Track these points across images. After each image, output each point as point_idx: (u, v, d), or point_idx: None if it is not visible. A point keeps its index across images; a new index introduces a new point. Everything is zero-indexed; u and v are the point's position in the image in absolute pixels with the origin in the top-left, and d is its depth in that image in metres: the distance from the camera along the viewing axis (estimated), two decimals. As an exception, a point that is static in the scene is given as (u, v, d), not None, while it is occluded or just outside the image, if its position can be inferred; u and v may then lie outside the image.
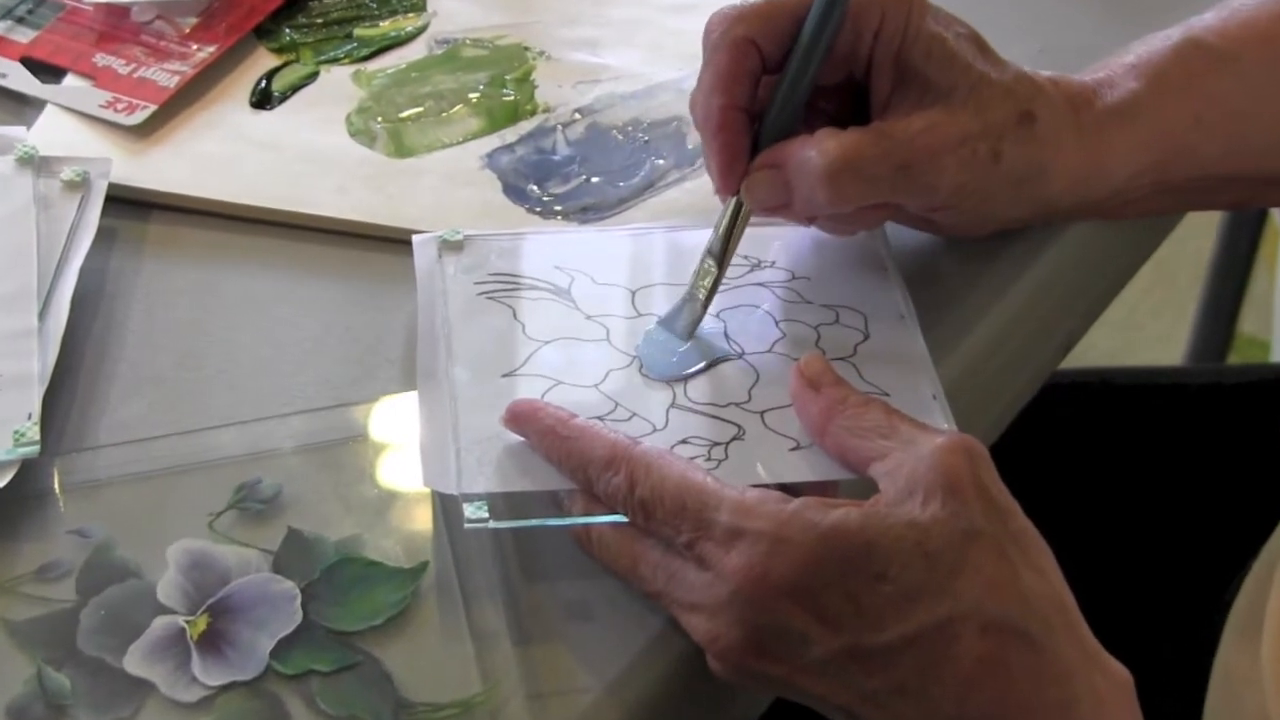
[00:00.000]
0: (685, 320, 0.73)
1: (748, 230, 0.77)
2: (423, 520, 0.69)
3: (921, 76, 0.70)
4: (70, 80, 0.89)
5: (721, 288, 0.75)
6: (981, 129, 0.70)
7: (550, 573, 0.68)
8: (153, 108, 0.87)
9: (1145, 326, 1.94)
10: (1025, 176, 0.72)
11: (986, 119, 0.70)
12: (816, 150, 0.70)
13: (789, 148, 0.71)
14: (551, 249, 0.78)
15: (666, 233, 0.80)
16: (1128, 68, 0.74)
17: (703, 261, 0.73)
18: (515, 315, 0.74)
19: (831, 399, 0.67)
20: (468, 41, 0.92)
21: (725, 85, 0.71)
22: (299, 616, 0.66)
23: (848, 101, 0.73)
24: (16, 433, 0.70)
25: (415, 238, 0.77)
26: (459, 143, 0.87)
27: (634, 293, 0.76)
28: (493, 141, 0.87)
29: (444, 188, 0.84)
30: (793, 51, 0.70)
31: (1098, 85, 0.73)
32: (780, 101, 0.71)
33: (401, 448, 0.71)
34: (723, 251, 0.73)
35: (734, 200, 0.72)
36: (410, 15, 0.93)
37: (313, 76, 0.90)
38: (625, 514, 0.65)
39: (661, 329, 0.74)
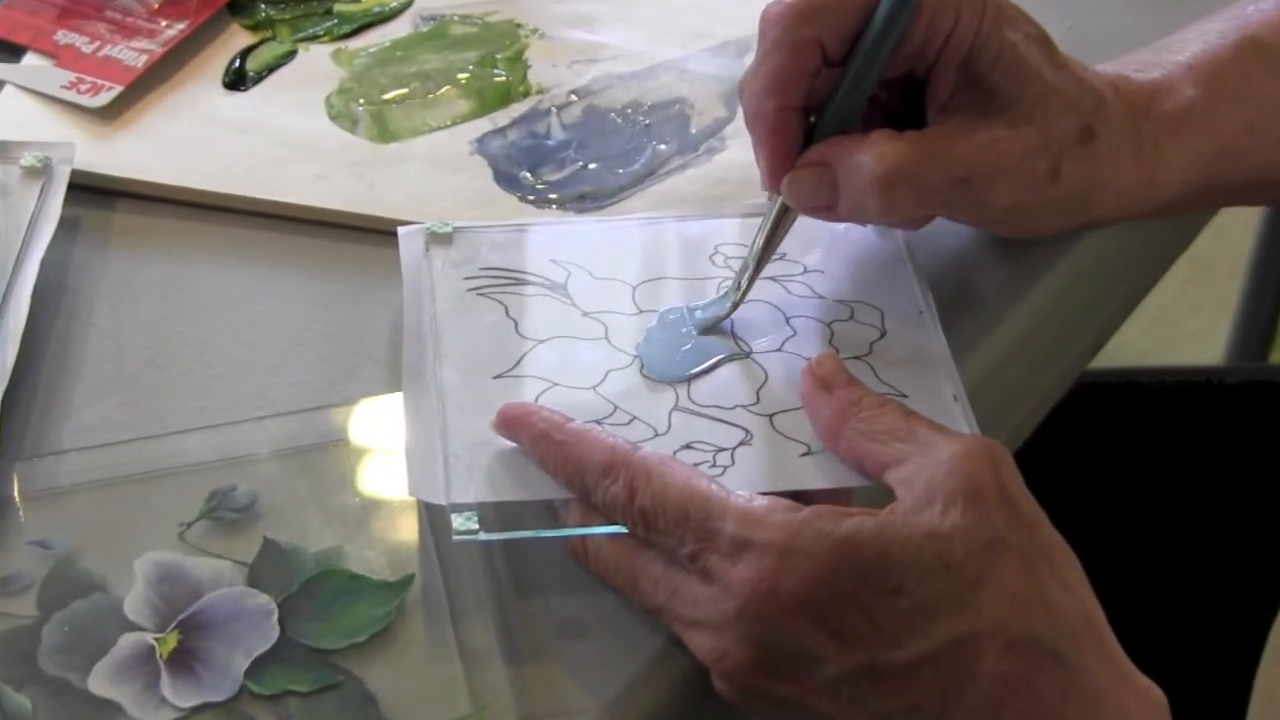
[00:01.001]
0: (706, 316, 0.74)
1: (753, 221, 0.77)
2: (408, 531, 0.69)
3: (987, 83, 0.71)
4: (30, 59, 0.89)
5: (727, 281, 0.76)
6: (1043, 145, 0.71)
7: (544, 587, 0.68)
8: (119, 89, 0.87)
9: (1182, 323, 1.94)
10: (1080, 195, 0.73)
11: (1049, 134, 0.71)
12: (871, 155, 0.70)
13: (840, 146, 0.71)
14: (546, 241, 0.78)
15: (669, 223, 0.80)
16: (1185, 69, 0.75)
17: (744, 264, 0.74)
18: (507, 312, 0.74)
19: (845, 400, 0.67)
20: (456, 18, 0.92)
21: (782, 87, 0.71)
22: (276, 633, 0.66)
23: (903, 95, 0.73)
24: (-26, 437, 0.70)
25: (400, 229, 0.78)
26: (447, 126, 0.87)
27: (635, 288, 0.76)
28: (483, 125, 0.87)
29: (431, 175, 0.84)
30: (857, 47, 0.70)
31: (1156, 90, 0.74)
32: (839, 99, 0.71)
33: (385, 453, 0.71)
34: (761, 253, 0.73)
35: (779, 198, 0.72)
36: (394, -10, 0.93)
37: (290, 55, 0.91)
38: (624, 524, 0.65)
39: (662, 327, 0.74)
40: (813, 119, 0.72)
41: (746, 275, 0.73)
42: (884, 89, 0.73)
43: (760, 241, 0.73)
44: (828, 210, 0.72)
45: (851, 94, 0.71)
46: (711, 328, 0.74)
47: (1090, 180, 0.73)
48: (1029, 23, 0.72)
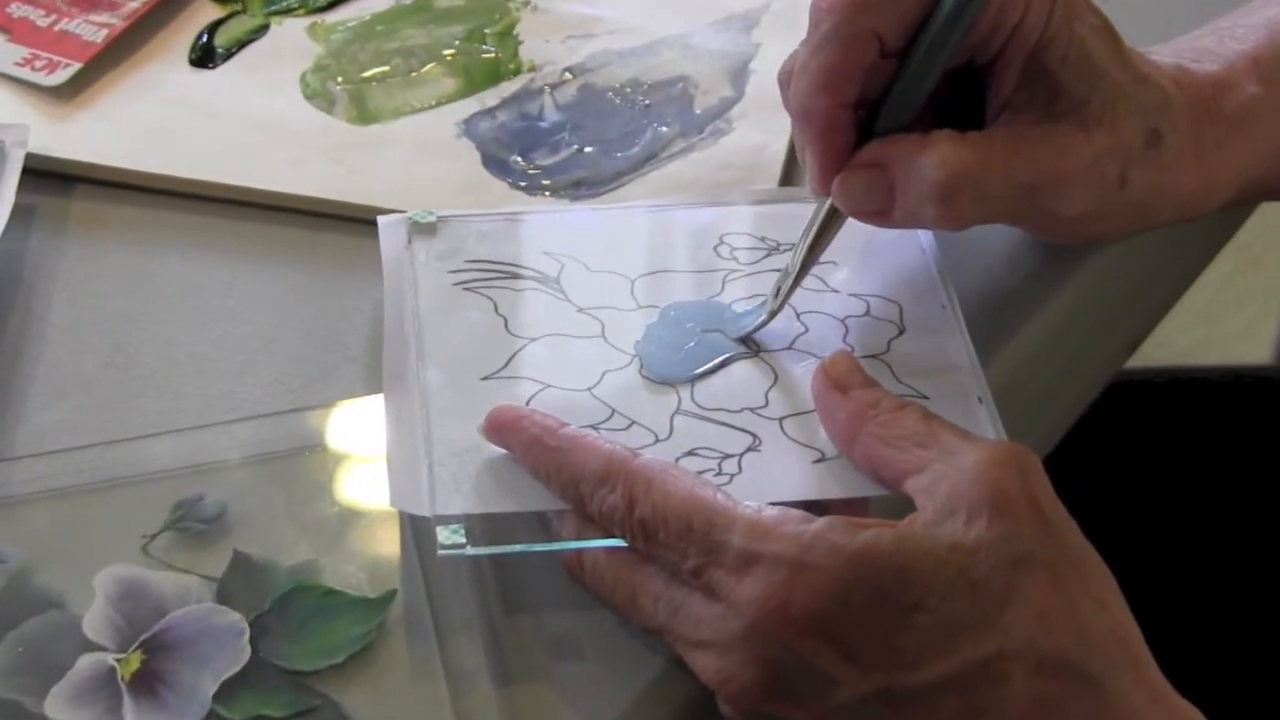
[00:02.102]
0: (747, 322, 0.74)
1: (763, 209, 0.77)
2: (389, 543, 0.70)
3: (1054, 81, 0.71)
4: (-19, 34, 0.89)
5: (735, 274, 0.76)
6: (1111, 149, 0.71)
7: (535, 604, 0.68)
8: (77, 66, 0.87)
9: (1227, 319, 1.95)
10: (1145, 202, 0.73)
11: (1117, 138, 0.72)
12: (932, 159, 0.69)
13: (897, 147, 0.70)
14: (538, 231, 0.78)
15: (671, 211, 0.80)
16: (1249, 63, 0.76)
17: (787, 267, 0.73)
18: (496, 308, 0.75)
19: (861, 403, 0.67)
20: (441, -10, 0.93)
21: (836, 82, 0.70)
22: (247, 653, 0.66)
23: (958, 88, 0.73)
24: (-80, 442, 0.70)
25: (381, 218, 0.78)
26: (431, 107, 0.87)
27: (634, 281, 0.76)
28: (470, 106, 0.87)
29: (414, 160, 0.85)
30: (920, 38, 0.69)
31: (1217, 86, 0.75)
32: (897, 95, 0.70)
33: (365, 460, 0.71)
34: (805, 258, 0.73)
35: (828, 200, 0.72)
36: (374, -41, 0.93)
37: (262, 30, 0.91)
38: (623, 537, 0.65)
39: (663, 324, 0.74)
40: (861, 113, 0.71)
41: (788, 283, 0.73)
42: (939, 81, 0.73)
43: (804, 247, 0.73)
44: (880, 215, 0.71)
45: (911, 89, 0.70)
46: (742, 335, 0.73)
47: (1156, 187, 0.73)
48: (1095, 13, 0.72)
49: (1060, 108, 0.71)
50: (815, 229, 0.72)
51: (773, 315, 0.73)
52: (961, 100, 0.73)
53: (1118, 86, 0.71)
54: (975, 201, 0.70)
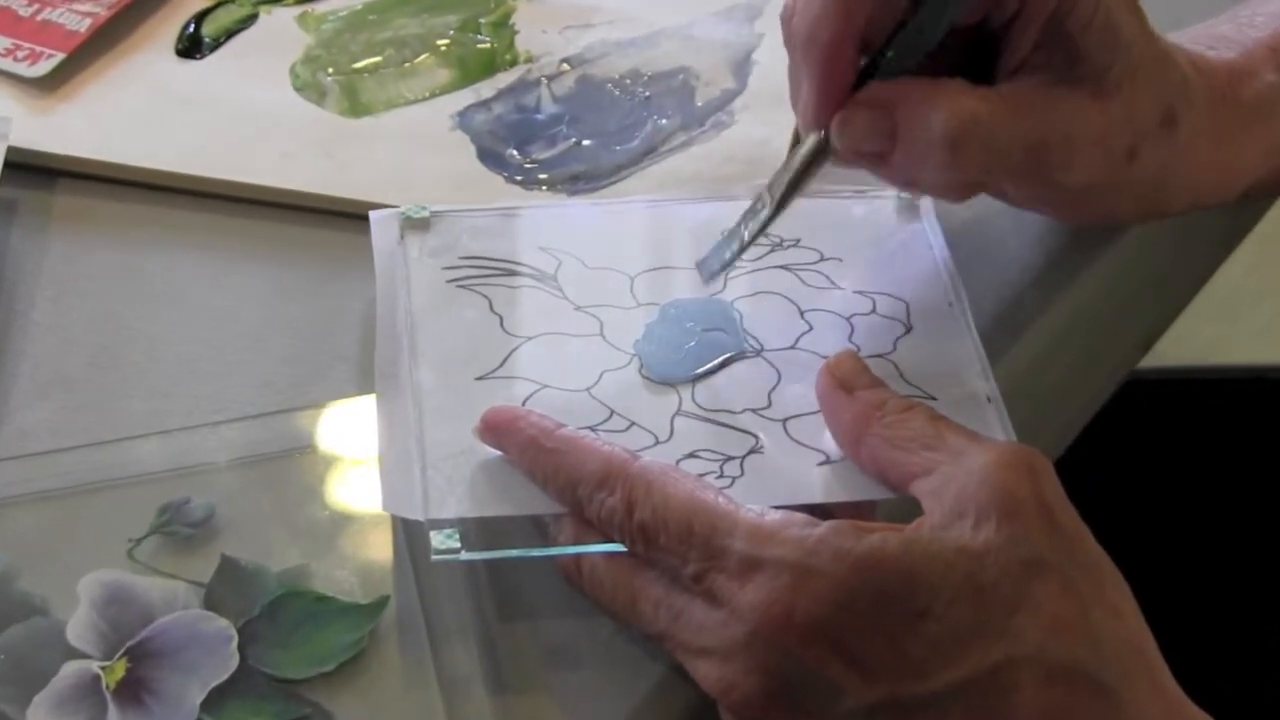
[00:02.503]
0: (715, 262, 0.74)
1: (768, 203, 0.77)
2: (382, 548, 0.70)
3: (1074, 46, 0.71)
4: (-38, 24, 0.89)
5: (738, 270, 0.76)
6: (1124, 121, 0.72)
7: (532, 610, 0.68)
8: (60, 56, 0.87)
9: (1245, 317, 1.95)
10: (1154, 182, 0.73)
11: (1132, 111, 0.72)
12: (942, 105, 0.70)
13: (906, 89, 0.70)
14: (535, 226, 0.78)
15: (672, 206, 0.80)
16: (1268, 52, 0.76)
17: (756, 200, 0.73)
18: (492, 306, 0.75)
19: (867, 404, 0.67)
20: (435, -22, 0.93)
21: (844, 10, 0.69)
22: (235, 661, 0.66)
23: (968, 45, 0.72)
24: (-101, 444, 0.70)
25: (373, 214, 0.78)
26: (425, 99, 0.87)
27: (633, 278, 0.76)
28: (465, 98, 0.87)
29: (407, 153, 0.85)
30: None
31: (1233, 74, 0.75)
32: (908, 34, 0.70)
33: (356, 462, 0.72)
34: (785, 194, 0.72)
35: (816, 137, 0.71)
36: (366, -53, 0.93)
37: (250, 19, 0.91)
38: (622, 541, 0.65)
39: (664, 322, 0.74)
40: (864, 61, 0.70)
41: (757, 222, 0.72)
42: (948, 36, 0.72)
43: (783, 184, 0.72)
44: (878, 159, 0.71)
45: (924, 30, 0.69)
46: (720, 272, 0.73)
47: (1166, 167, 0.73)
48: None
49: (1078, 73, 0.71)
50: (797, 166, 0.72)
51: (743, 249, 0.73)
52: (972, 56, 0.72)
53: (1139, 60, 0.71)
54: (982, 154, 0.70)
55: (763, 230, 0.73)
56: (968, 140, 0.70)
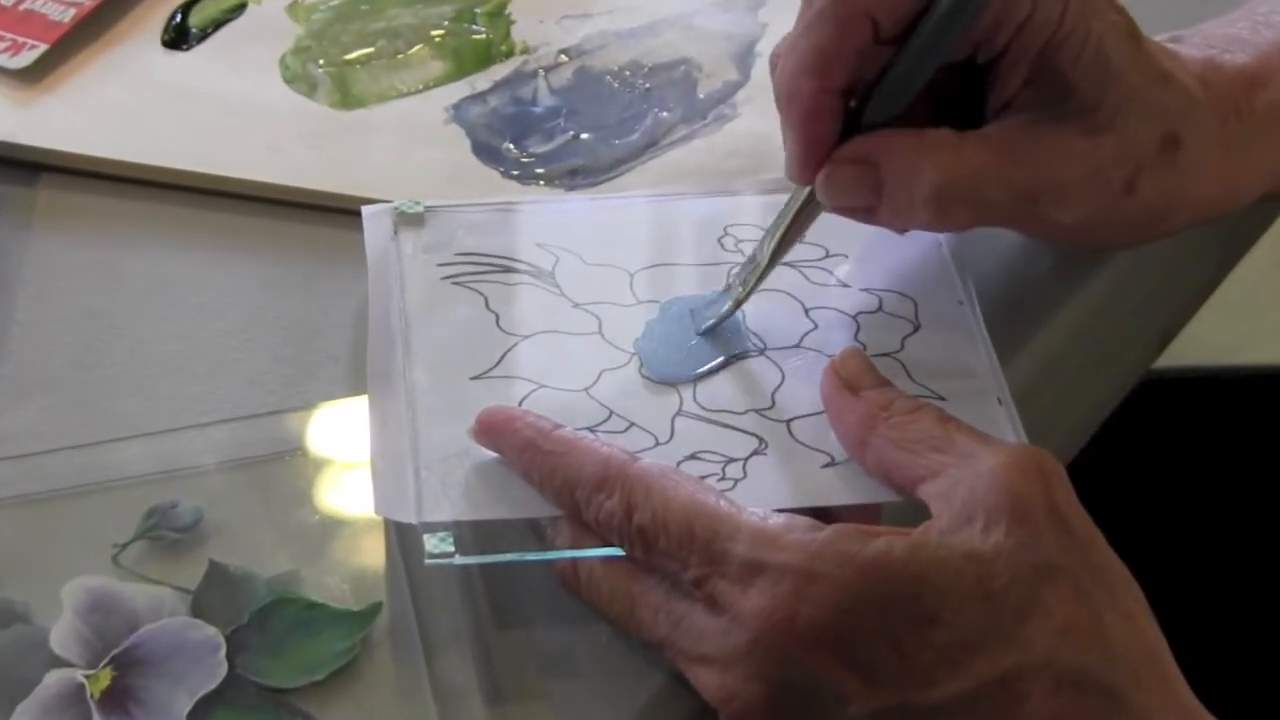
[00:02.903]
0: (711, 313, 0.74)
1: (770, 199, 0.77)
2: (374, 553, 0.70)
3: (1063, 81, 0.71)
4: (-58, 14, 0.89)
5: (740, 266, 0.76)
6: (1120, 156, 0.71)
7: (529, 617, 0.68)
8: (43, 47, 0.87)
9: (1264, 316, 1.95)
10: (1156, 209, 0.73)
11: (1127, 144, 0.71)
12: (928, 161, 0.70)
13: (889, 143, 0.70)
14: (532, 222, 0.78)
15: (672, 201, 0.80)
16: None
17: (753, 255, 0.74)
18: (487, 304, 0.75)
19: (873, 404, 0.68)
20: (429, -34, 0.93)
21: (825, 65, 0.69)
22: (223, 670, 0.66)
23: (958, 79, 0.72)
24: (-122, 446, 0.70)
25: (365, 209, 0.78)
26: (418, 91, 0.87)
27: (633, 275, 0.76)
28: (460, 90, 0.87)
29: (400, 147, 0.85)
30: (919, 25, 0.69)
31: (1246, 81, 0.75)
32: (890, 85, 0.70)
33: (348, 465, 0.72)
34: (777, 249, 0.73)
35: (805, 191, 0.72)
36: (358, -66, 0.93)
37: (239, 9, 0.91)
38: (621, 545, 0.65)
39: (664, 320, 0.74)
40: (853, 104, 0.71)
41: (756, 273, 0.73)
42: (936, 72, 0.72)
43: (776, 237, 0.73)
44: (865, 213, 0.71)
45: (906, 80, 0.70)
46: (711, 330, 0.74)
47: (1169, 194, 0.73)
48: (1115, 8, 0.72)
49: (1068, 109, 0.71)
50: (789, 219, 0.72)
51: (738, 305, 0.73)
52: (959, 91, 0.72)
53: (1133, 91, 0.71)
54: (970, 207, 0.71)
55: (756, 286, 0.73)
56: (954, 195, 0.70)
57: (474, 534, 0.67)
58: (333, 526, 0.70)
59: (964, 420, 0.66)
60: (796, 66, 0.70)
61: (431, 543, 0.66)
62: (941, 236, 0.77)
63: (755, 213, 0.79)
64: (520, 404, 0.71)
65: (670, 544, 0.64)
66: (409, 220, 0.77)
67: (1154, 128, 0.72)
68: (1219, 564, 0.98)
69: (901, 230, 0.75)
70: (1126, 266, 0.81)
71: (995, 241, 0.79)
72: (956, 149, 0.70)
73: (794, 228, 0.73)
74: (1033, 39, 0.70)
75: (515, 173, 0.84)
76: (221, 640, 0.67)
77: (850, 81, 0.70)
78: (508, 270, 0.76)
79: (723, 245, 0.78)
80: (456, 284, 0.75)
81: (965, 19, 0.68)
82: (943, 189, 0.70)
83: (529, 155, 0.84)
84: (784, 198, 0.77)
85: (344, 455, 0.72)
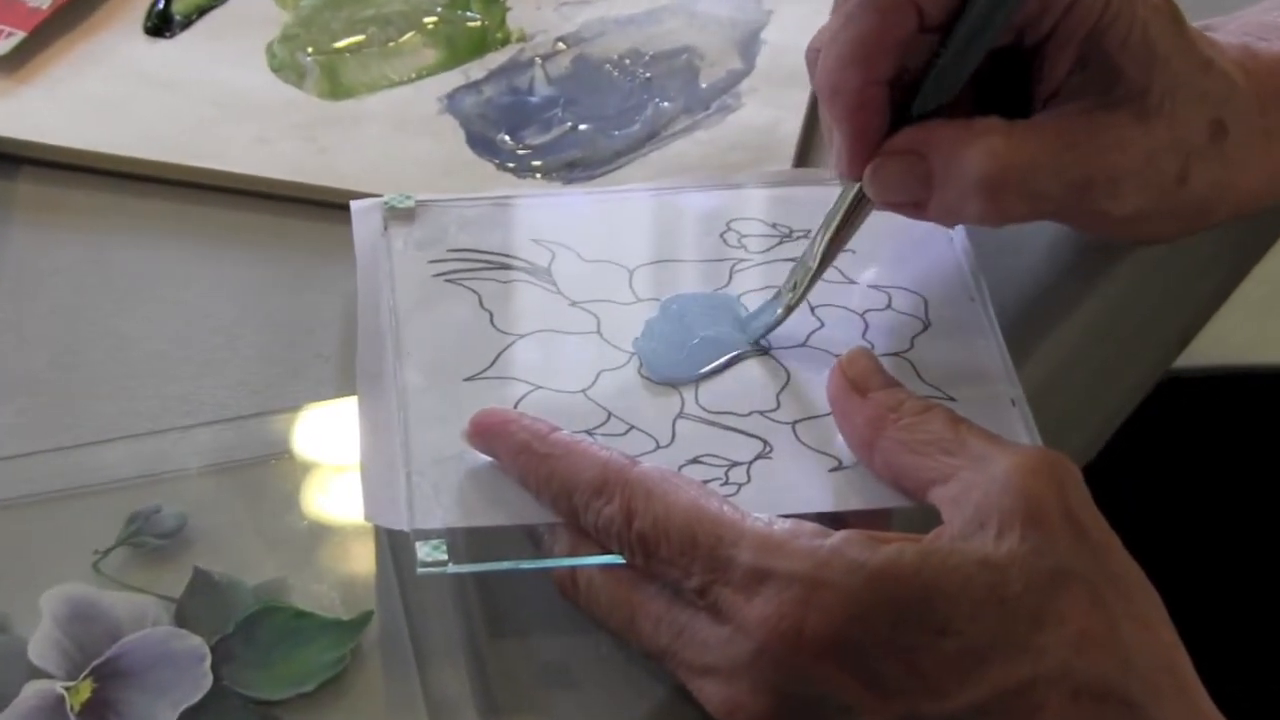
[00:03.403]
0: (762, 322, 0.74)
1: (775, 192, 0.77)
2: (365, 560, 0.70)
3: (1112, 66, 0.71)
4: (-85, 1, 0.89)
5: (744, 264, 0.76)
6: (1172, 143, 0.72)
7: (524, 627, 0.68)
8: (21, 35, 0.87)
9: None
10: (1205, 200, 0.74)
11: (1178, 130, 0.72)
12: (979, 150, 0.70)
13: (939, 134, 0.70)
14: (528, 217, 0.79)
15: (674, 195, 0.80)
16: None
17: (802, 258, 0.74)
18: (481, 302, 0.75)
19: (882, 405, 0.68)
20: (421, -49, 0.93)
21: (870, 56, 0.70)
22: (208, 681, 0.66)
23: (1004, 66, 0.73)
24: None
25: (354, 204, 0.78)
26: (411, 80, 0.87)
27: (632, 272, 0.77)
28: (454, 79, 0.87)
29: (391, 138, 0.85)
30: (963, 14, 0.69)
31: None
32: (938, 74, 0.70)
33: (337, 469, 0.72)
34: (827, 249, 0.73)
35: (854, 187, 0.72)
36: (348, -82, 0.94)
37: (224, -4, 0.91)
38: (621, 552, 0.65)
39: (665, 318, 0.74)
40: (896, 92, 0.70)
41: (808, 277, 0.73)
42: (982, 61, 0.72)
43: (826, 237, 0.73)
44: (915, 208, 0.72)
45: (951, 69, 0.70)
46: (760, 336, 0.73)
47: (1218, 184, 0.74)
48: None
49: (1117, 95, 0.71)
50: (840, 217, 0.72)
51: (789, 311, 0.74)
52: (1004, 80, 0.73)
53: (1178, 76, 0.72)
54: (1023, 198, 0.71)
55: (809, 290, 0.73)
56: (1006, 185, 0.70)
57: (468, 541, 0.67)
58: (321, 532, 0.70)
59: (976, 422, 0.66)
60: (840, 59, 0.70)
61: (424, 550, 0.66)
62: (953, 231, 0.78)
63: (759, 206, 0.79)
64: (515, 406, 0.71)
65: (672, 551, 0.64)
66: (399, 215, 0.77)
67: (1202, 114, 0.72)
68: (1241, 569, 0.98)
69: (951, 225, 0.75)
70: (1145, 263, 0.81)
71: (1010, 236, 0.79)
72: (1007, 137, 0.70)
73: (845, 227, 0.72)
74: (1080, 21, 0.71)
75: (511, 165, 0.84)
76: (206, 650, 0.67)
77: (895, 72, 0.70)
78: (502, 267, 0.76)
79: (725, 240, 0.78)
80: (449, 281, 0.75)
81: (1009, 7, 0.69)
82: (995, 179, 0.70)
83: (525, 147, 0.84)
84: (789, 190, 0.78)
85: (333, 458, 0.72)
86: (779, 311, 0.74)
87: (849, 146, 0.71)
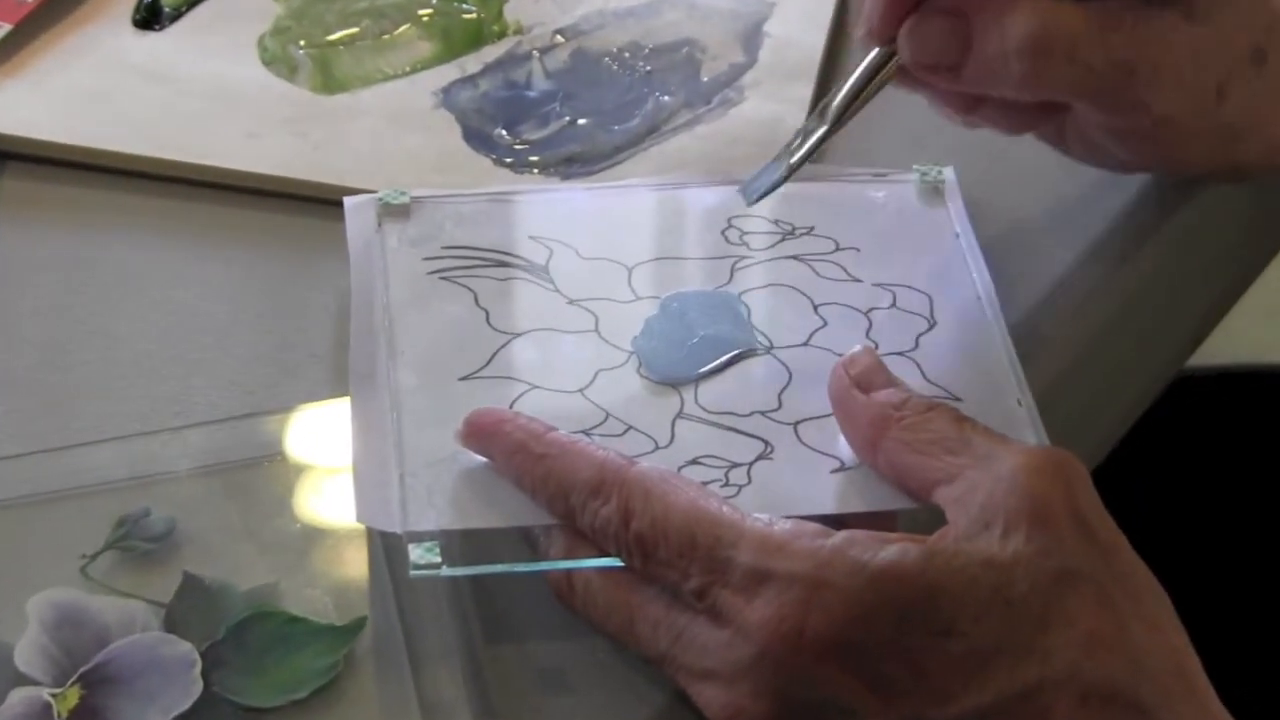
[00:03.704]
0: (762, 182, 0.74)
1: (780, 189, 0.77)
2: (358, 564, 0.70)
3: None
4: (-101, -6, 0.90)
5: (745, 261, 0.77)
6: (1215, 52, 0.73)
7: (520, 631, 0.68)
8: (6, 28, 0.87)
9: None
10: (1236, 127, 0.74)
11: (1223, 42, 0.73)
12: (1025, 12, 0.71)
13: None
14: (525, 213, 0.79)
15: (674, 191, 0.80)
16: None
17: (809, 120, 0.74)
18: (477, 300, 0.75)
19: (884, 404, 0.68)
20: (416, -58, 0.93)
21: None
22: (198, 688, 0.66)
23: None
24: None
25: (347, 200, 0.78)
26: (405, 74, 0.88)
27: (632, 270, 0.77)
28: (449, 73, 0.88)
29: (385, 133, 0.85)
30: None
31: None
32: None
33: (330, 471, 0.72)
34: (842, 110, 0.73)
35: (880, 51, 0.72)
36: (341, -92, 0.94)
37: (215, -12, 0.91)
38: (618, 554, 0.65)
39: (664, 317, 0.75)
40: None
41: (813, 137, 0.73)
42: None
43: (842, 95, 0.73)
44: (949, 72, 0.72)
45: None
46: (762, 198, 0.74)
47: (1251, 111, 0.74)
48: None
49: None
50: (857, 80, 0.73)
51: (792, 171, 0.74)
52: None
53: None
54: (1066, 67, 0.71)
55: (816, 149, 0.73)
56: (1051, 50, 0.70)
57: (462, 544, 0.68)
58: (314, 536, 0.71)
59: (982, 421, 0.67)
60: None
61: (417, 553, 0.67)
62: (960, 228, 0.78)
63: (764, 202, 0.79)
64: (511, 406, 0.71)
65: (670, 552, 0.64)
66: (394, 212, 0.78)
67: (1246, 35, 0.73)
68: (1253, 571, 0.98)
69: (984, 90, 0.74)
70: (1158, 260, 0.81)
71: (1017, 231, 0.80)
72: (1054, 3, 0.71)
73: (863, 89, 0.73)
74: None
75: (508, 160, 0.84)
76: (196, 657, 0.67)
77: None
78: (499, 264, 0.76)
79: (726, 238, 0.78)
80: (444, 279, 0.76)
81: None
82: (1040, 40, 0.70)
83: (522, 142, 0.84)
84: (792, 186, 0.77)
85: (326, 460, 0.72)
86: (780, 172, 0.74)
87: (884, 4, 0.72)
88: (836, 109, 0.73)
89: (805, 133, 0.74)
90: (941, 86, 0.74)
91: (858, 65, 0.73)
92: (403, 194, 0.78)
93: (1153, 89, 0.72)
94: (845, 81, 0.73)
